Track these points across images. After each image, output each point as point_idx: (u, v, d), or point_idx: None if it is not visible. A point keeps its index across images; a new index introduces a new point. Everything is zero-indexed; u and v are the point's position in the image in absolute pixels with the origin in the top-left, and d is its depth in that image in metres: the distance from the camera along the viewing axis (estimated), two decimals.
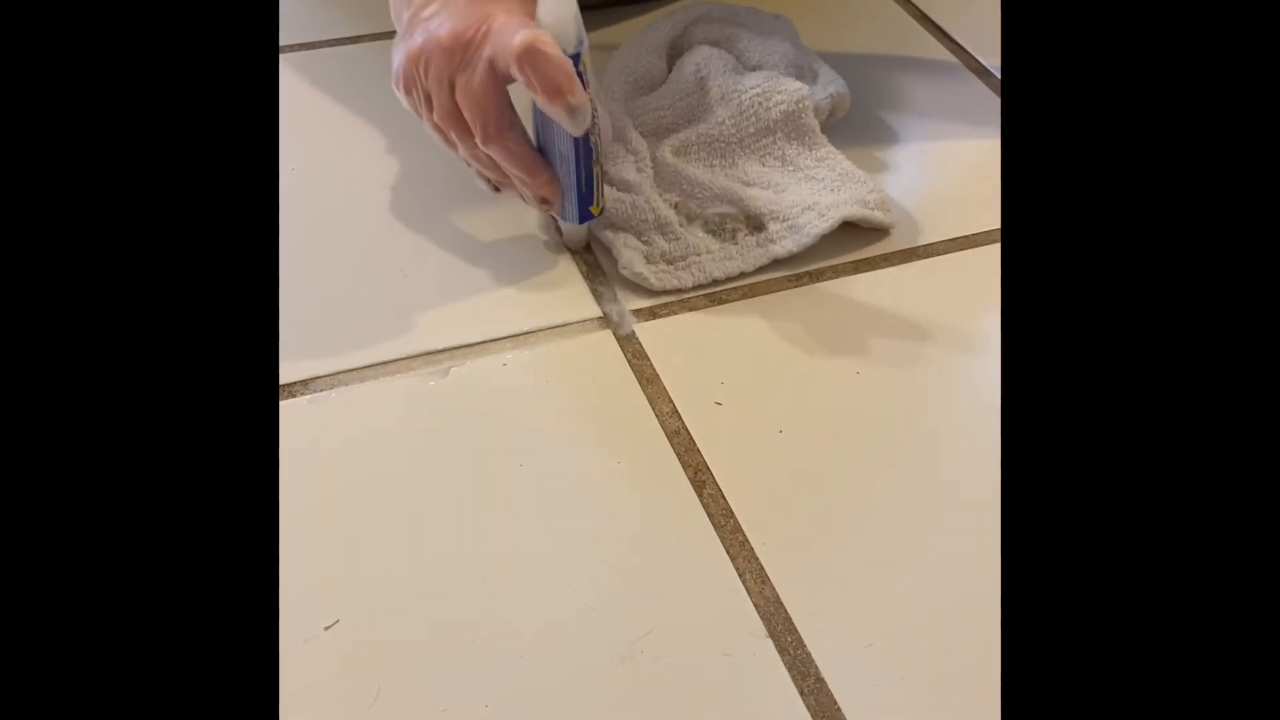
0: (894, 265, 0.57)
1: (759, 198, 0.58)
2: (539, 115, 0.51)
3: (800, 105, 0.61)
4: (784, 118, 0.61)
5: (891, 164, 0.64)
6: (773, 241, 0.56)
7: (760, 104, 0.60)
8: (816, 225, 0.56)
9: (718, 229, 0.57)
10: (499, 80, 0.49)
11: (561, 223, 0.56)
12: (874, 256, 0.58)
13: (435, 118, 0.51)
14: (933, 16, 0.78)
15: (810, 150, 0.61)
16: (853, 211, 0.57)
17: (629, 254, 0.55)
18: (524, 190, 0.53)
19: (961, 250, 0.59)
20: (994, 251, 0.58)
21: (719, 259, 0.56)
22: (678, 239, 0.56)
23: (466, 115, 0.50)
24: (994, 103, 0.70)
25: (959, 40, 0.75)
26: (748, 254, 0.56)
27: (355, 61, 0.70)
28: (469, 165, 0.54)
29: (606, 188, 0.57)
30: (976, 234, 0.59)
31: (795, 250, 0.56)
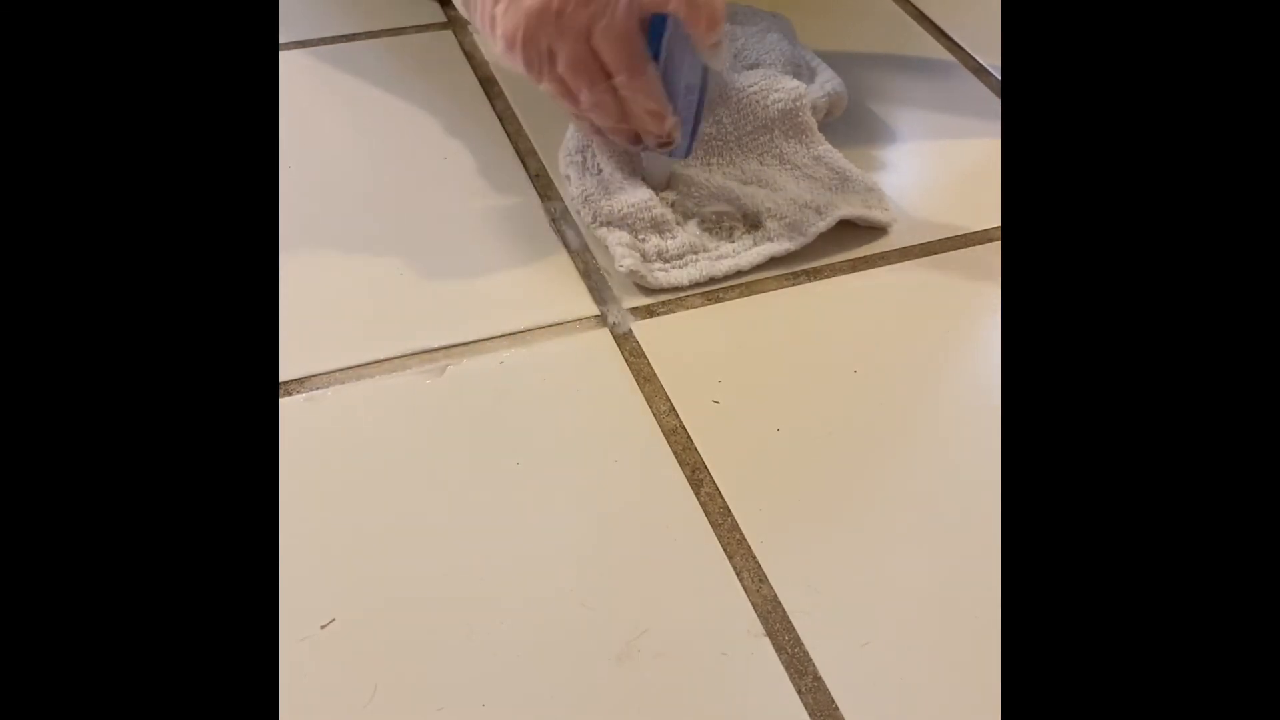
0: (891, 264, 0.57)
1: (756, 196, 0.58)
2: (664, 50, 0.52)
3: (798, 103, 0.61)
4: (781, 116, 0.61)
5: (888, 163, 0.64)
6: (770, 240, 0.56)
7: (758, 102, 0.60)
8: (814, 224, 0.56)
9: (714, 227, 0.57)
10: (638, 19, 0.50)
11: (650, 162, 0.57)
12: (871, 255, 0.57)
13: (563, 70, 0.52)
14: (930, 15, 0.78)
15: (808, 148, 0.61)
16: (851, 210, 0.57)
17: (624, 251, 0.55)
18: (649, 126, 0.54)
19: (958, 249, 0.59)
20: (991, 250, 0.58)
21: (716, 257, 0.56)
22: (674, 237, 0.56)
23: (609, 57, 0.51)
24: (992, 101, 0.70)
25: (956, 39, 0.75)
26: (745, 253, 0.56)
27: (354, 60, 0.70)
28: (581, 120, 0.56)
29: (606, 188, 0.57)
30: (974, 233, 0.59)
31: (793, 249, 0.56)
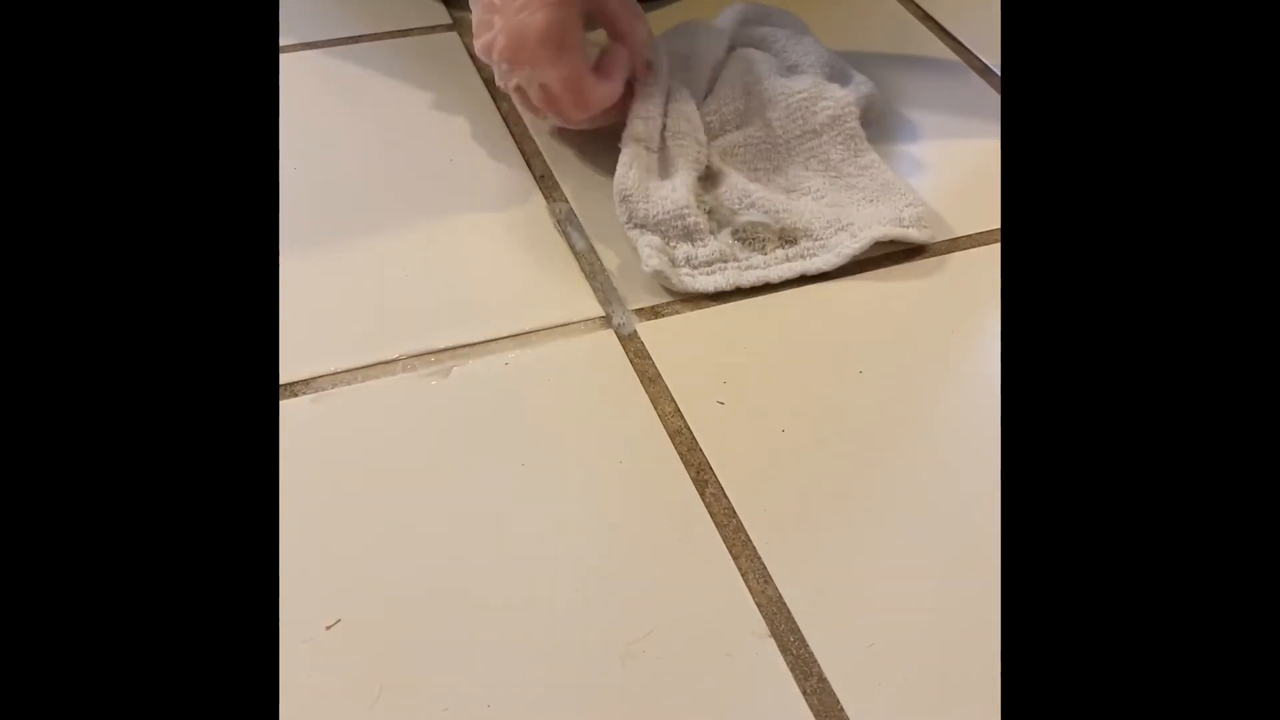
0: (896, 264, 0.57)
1: (794, 211, 0.58)
2: None
3: (847, 110, 0.61)
4: (830, 122, 0.61)
5: (893, 163, 0.64)
6: (802, 257, 0.56)
7: (807, 107, 0.61)
8: (848, 246, 0.56)
9: (748, 238, 0.57)
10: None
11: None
12: (876, 256, 0.57)
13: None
14: (934, 15, 0.77)
15: (855, 157, 0.61)
16: (886, 231, 0.57)
17: (651, 253, 0.55)
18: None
19: (964, 250, 0.58)
20: (996, 251, 0.58)
21: (744, 267, 0.56)
22: (705, 245, 0.56)
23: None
24: (996, 102, 0.70)
25: (960, 39, 0.75)
26: (775, 266, 0.56)
27: (360, 61, 0.70)
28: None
29: (652, 184, 0.58)
30: (979, 233, 0.59)
31: (825, 269, 0.56)
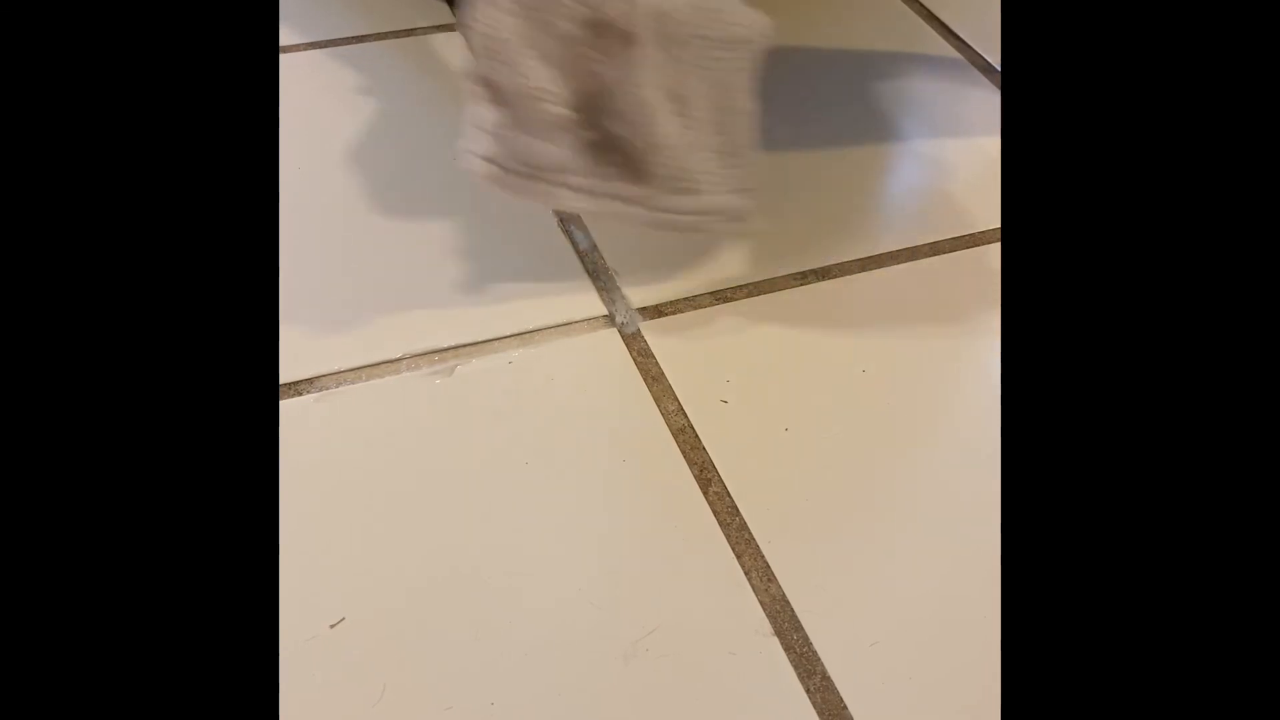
0: (899, 263, 0.57)
1: (657, 137, 0.47)
2: None
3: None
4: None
5: (896, 161, 0.64)
6: (626, 202, 0.49)
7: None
8: (668, 215, 0.49)
9: (603, 150, 0.47)
10: None
11: None
12: (880, 254, 0.57)
13: None
14: (938, 14, 0.77)
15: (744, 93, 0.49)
16: (710, 203, 0.50)
17: (478, 135, 0.45)
18: None
19: (968, 248, 0.58)
20: (997, 250, 0.58)
21: (575, 189, 0.47)
22: (551, 146, 0.47)
23: None
24: (998, 100, 0.70)
25: (964, 37, 0.75)
26: (600, 198, 0.48)
27: (365, 60, 0.70)
28: None
29: (529, 52, 0.46)
30: (982, 232, 0.59)
31: (644, 224, 0.49)
